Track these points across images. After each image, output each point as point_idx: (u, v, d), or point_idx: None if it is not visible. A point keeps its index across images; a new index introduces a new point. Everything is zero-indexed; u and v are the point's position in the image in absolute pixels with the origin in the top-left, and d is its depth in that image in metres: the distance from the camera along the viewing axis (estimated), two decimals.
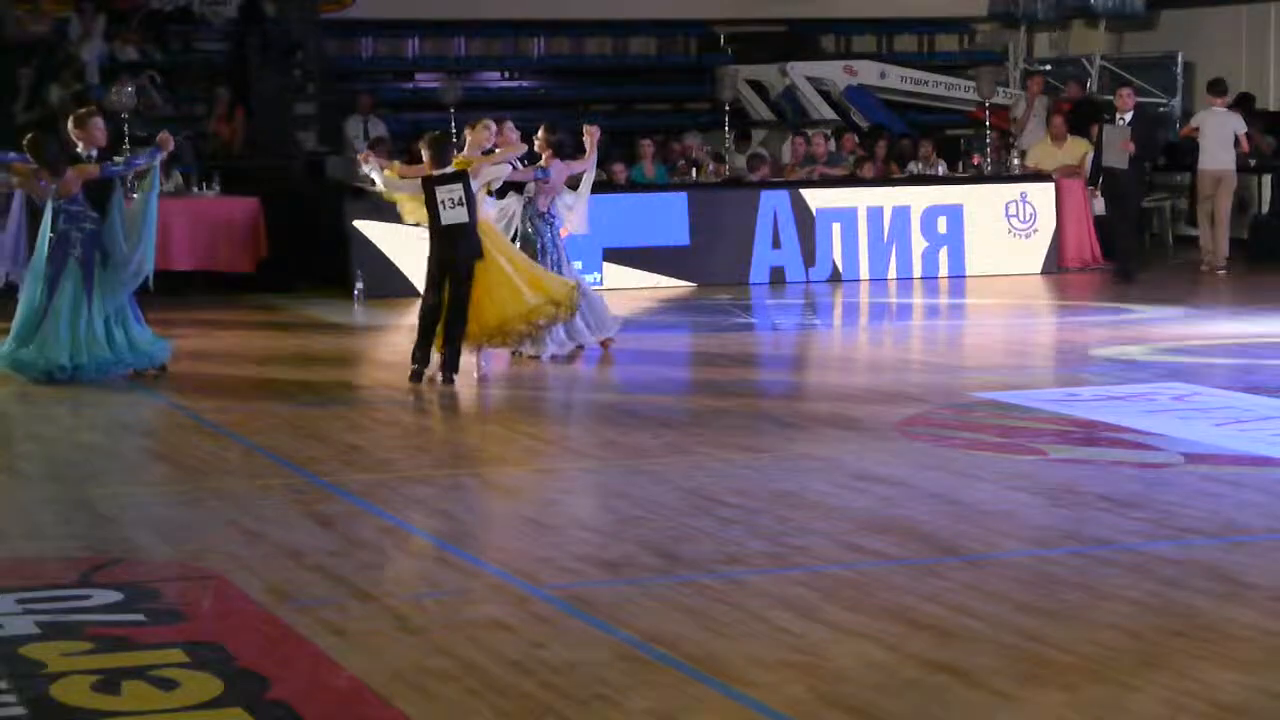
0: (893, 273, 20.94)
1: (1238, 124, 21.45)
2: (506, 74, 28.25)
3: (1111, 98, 21.96)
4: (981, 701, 6.19)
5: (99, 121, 14.00)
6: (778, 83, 26.81)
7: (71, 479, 10.16)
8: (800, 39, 28.69)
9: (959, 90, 27.06)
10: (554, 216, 14.73)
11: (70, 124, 13.99)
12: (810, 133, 23.49)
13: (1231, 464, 10.20)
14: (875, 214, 20.98)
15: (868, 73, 27.17)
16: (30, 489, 9.92)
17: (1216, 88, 21.84)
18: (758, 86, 26.84)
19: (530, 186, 14.67)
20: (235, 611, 7.47)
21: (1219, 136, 21.33)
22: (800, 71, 26.76)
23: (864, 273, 20.86)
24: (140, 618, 7.30)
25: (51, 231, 13.56)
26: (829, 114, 26.20)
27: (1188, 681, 6.35)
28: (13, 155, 13.77)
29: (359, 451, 10.94)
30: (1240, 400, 12.22)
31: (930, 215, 21.17)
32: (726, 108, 23.08)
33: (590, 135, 14.73)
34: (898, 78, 27.36)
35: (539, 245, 14.56)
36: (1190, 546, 8.37)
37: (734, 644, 6.86)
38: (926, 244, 21.13)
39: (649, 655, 6.73)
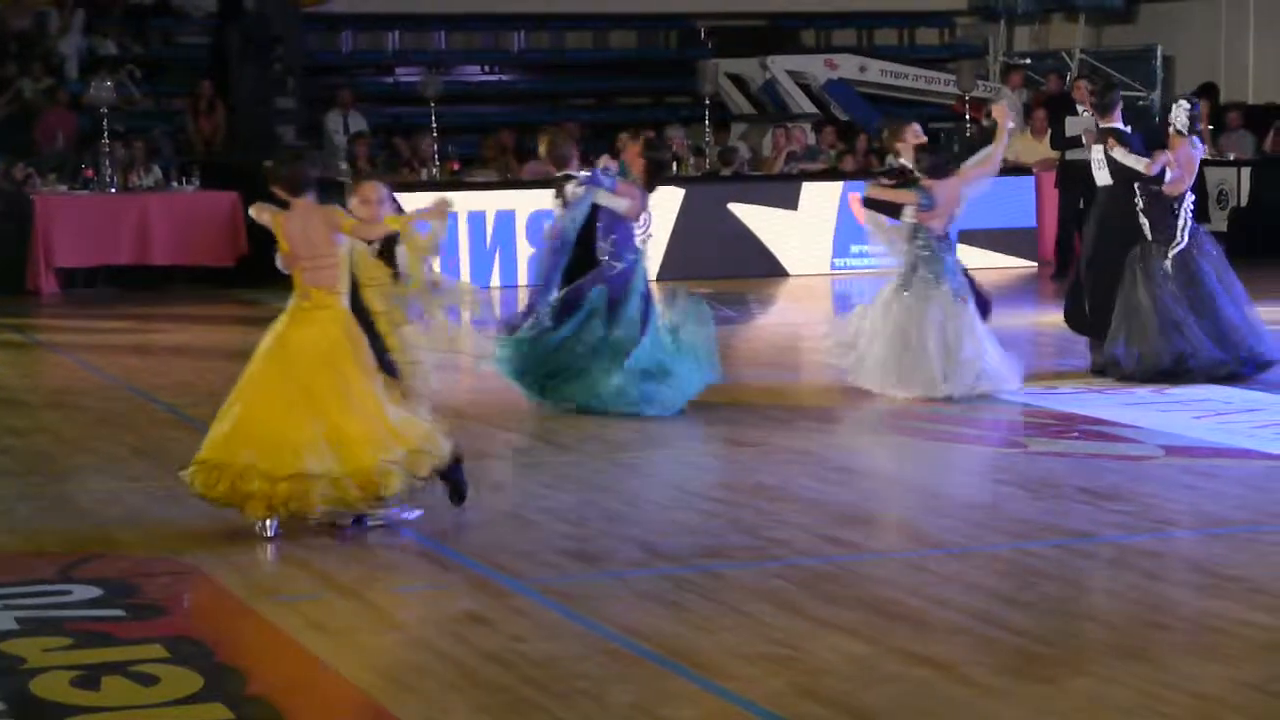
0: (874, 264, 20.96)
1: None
2: (487, 68, 28.20)
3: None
4: (962, 695, 6.20)
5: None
6: (758, 76, 26.80)
7: (50, 474, 10.13)
8: (781, 33, 28.70)
9: (939, 84, 27.08)
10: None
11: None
12: (791, 126, 23.49)
13: (1211, 456, 10.22)
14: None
15: (848, 66, 27.18)
16: (9, 484, 9.89)
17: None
18: (738, 80, 26.82)
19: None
20: (215, 607, 7.47)
21: None
22: (781, 65, 26.74)
23: (847, 265, 20.88)
24: (120, 613, 7.29)
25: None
26: (809, 108, 26.19)
27: (1167, 674, 6.36)
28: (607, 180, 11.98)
29: None
30: (1219, 393, 12.23)
31: None
32: (707, 102, 23.07)
33: (1001, 113, 13.05)
34: (878, 71, 27.37)
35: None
36: (1169, 539, 8.39)
37: (714, 637, 6.86)
38: None
39: (629, 649, 6.73)
